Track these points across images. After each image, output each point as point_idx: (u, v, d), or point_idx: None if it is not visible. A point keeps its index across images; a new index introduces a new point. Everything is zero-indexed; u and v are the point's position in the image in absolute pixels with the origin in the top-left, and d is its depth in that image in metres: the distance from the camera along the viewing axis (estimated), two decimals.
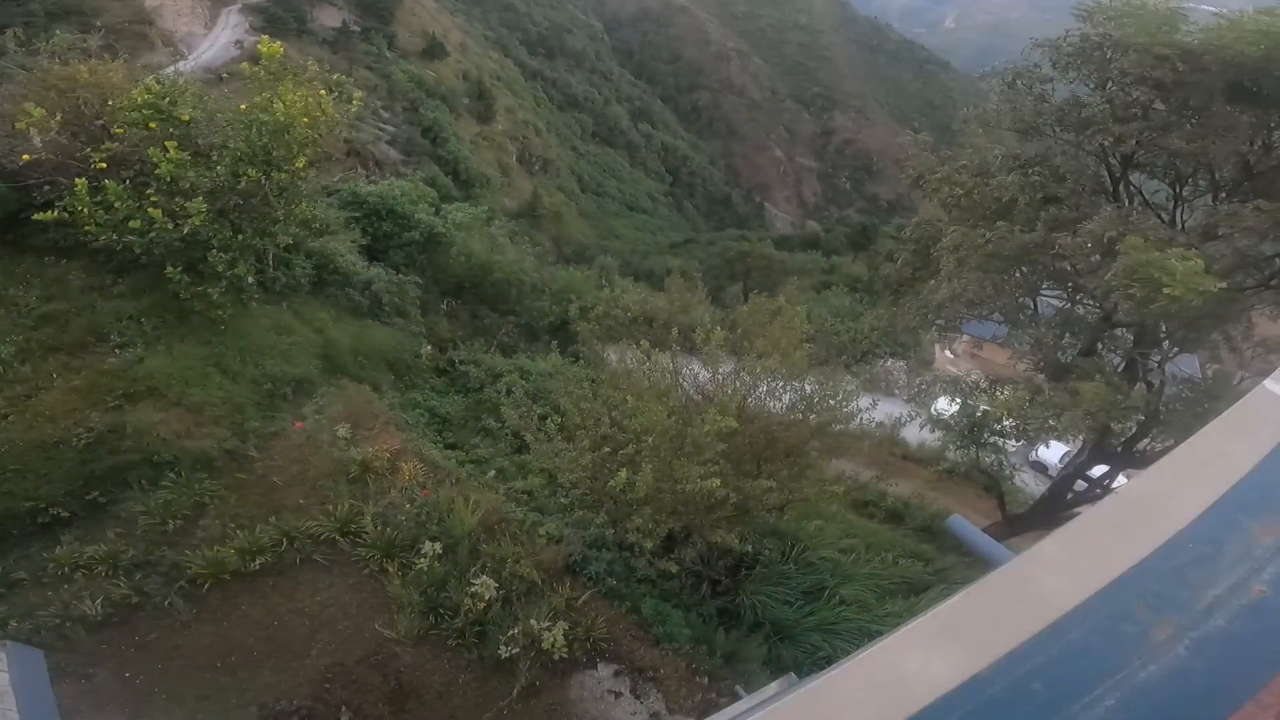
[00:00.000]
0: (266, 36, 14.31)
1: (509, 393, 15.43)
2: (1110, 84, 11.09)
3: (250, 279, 13.28)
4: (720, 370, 10.04)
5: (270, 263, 14.64)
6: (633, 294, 12.18)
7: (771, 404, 10.19)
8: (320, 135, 13.68)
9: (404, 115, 68.02)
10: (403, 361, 16.66)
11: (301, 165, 13.26)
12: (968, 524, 3.64)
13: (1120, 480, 13.58)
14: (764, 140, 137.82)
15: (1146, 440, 11.91)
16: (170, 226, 11.99)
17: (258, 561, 9.99)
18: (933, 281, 12.10)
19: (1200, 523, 1.42)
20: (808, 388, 10.22)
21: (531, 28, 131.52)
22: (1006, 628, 1.49)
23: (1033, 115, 11.95)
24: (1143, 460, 12.12)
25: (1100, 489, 13.91)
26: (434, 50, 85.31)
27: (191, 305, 12.68)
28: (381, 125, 61.89)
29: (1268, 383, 2.87)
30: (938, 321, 12.68)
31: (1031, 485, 21.03)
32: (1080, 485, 14.74)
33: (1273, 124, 10.48)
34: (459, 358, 17.67)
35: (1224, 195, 10.85)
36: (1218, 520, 1.40)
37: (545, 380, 16.24)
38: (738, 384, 9.99)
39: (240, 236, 13.03)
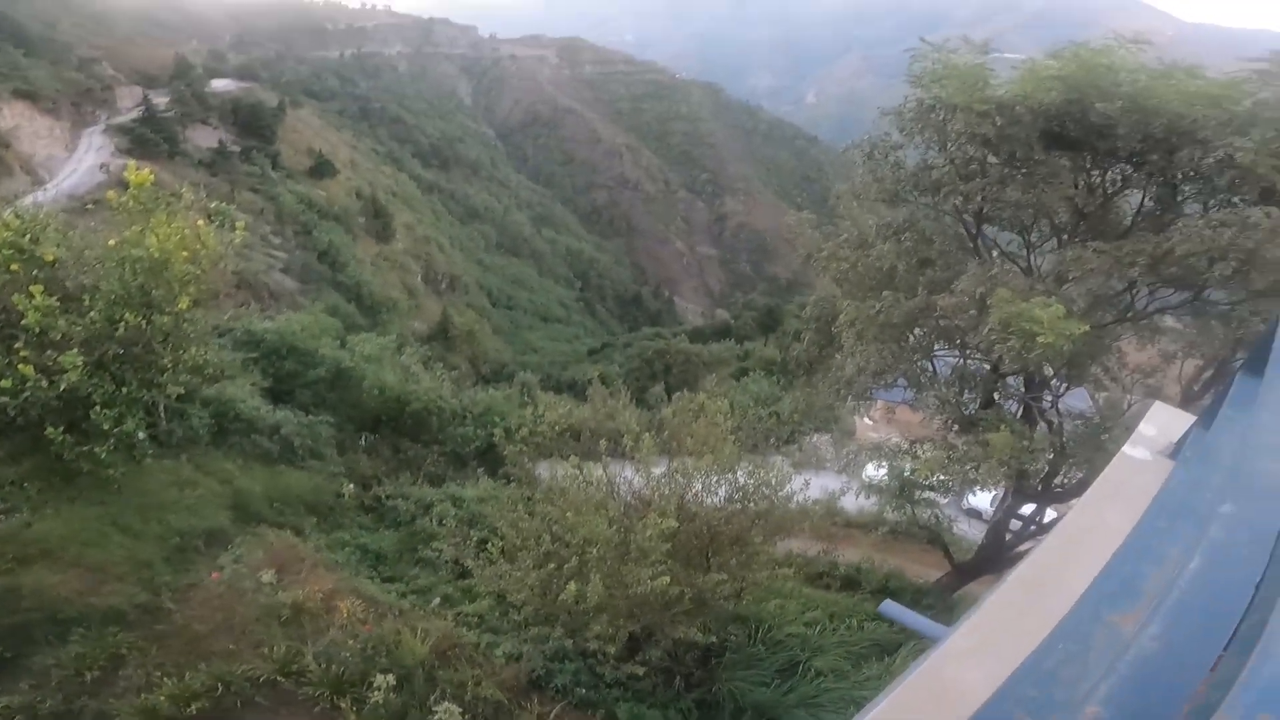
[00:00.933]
0: (134, 161, 13.48)
1: (442, 522, 15.06)
2: (949, 145, 11.40)
3: (141, 434, 12.33)
4: (654, 473, 10.16)
5: (162, 415, 13.69)
6: (557, 408, 12.29)
7: (708, 499, 10.35)
8: (203, 270, 12.67)
9: (296, 239, 65.16)
10: (324, 503, 15.92)
11: (185, 306, 12.24)
12: (899, 607, 3.77)
13: (1050, 514, 14.17)
14: (664, 233, 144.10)
15: (1060, 476, 12.51)
16: (45, 384, 10.94)
17: (194, 706, 9.23)
18: (838, 357, 12.59)
19: (1074, 615, 1.58)
20: (741, 479, 10.48)
21: (423, 139, 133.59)
22: None
23: (893, 183, 12.30)
24: (1062, 494, 12.69)
25: (1034, 525, 14.45)
26: (322, 168, 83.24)
27: (78, 466, 11.63)
28: (273, 252, 59.00)
29: (1127, 448, 3.18)
30: (850, 396, 13.15)
31: (972, 532, 21.67)
32: (1015, 524, 15.30)
33: (1087, 165, 11.03)
34: (385, 493, 17.04)
35: (1066, 238, 11.37)
36: (1085, 613, 1.56)
37: (479, 505, 15.93)
38: (672, 485, 10.12)
39: (124, 390, 12.01)
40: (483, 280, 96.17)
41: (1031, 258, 11.95)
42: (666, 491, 9.94)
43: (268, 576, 11.54)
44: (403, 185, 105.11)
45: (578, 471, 10.03)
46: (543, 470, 11.75)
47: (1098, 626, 1.54)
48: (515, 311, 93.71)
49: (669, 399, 11.95)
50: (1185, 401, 11.15)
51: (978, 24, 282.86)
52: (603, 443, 10.30)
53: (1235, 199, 9.84)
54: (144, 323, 11.83)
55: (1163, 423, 3.26)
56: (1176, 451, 2.89)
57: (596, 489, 10.00)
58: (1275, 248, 8.29)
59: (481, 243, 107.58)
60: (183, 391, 13.55)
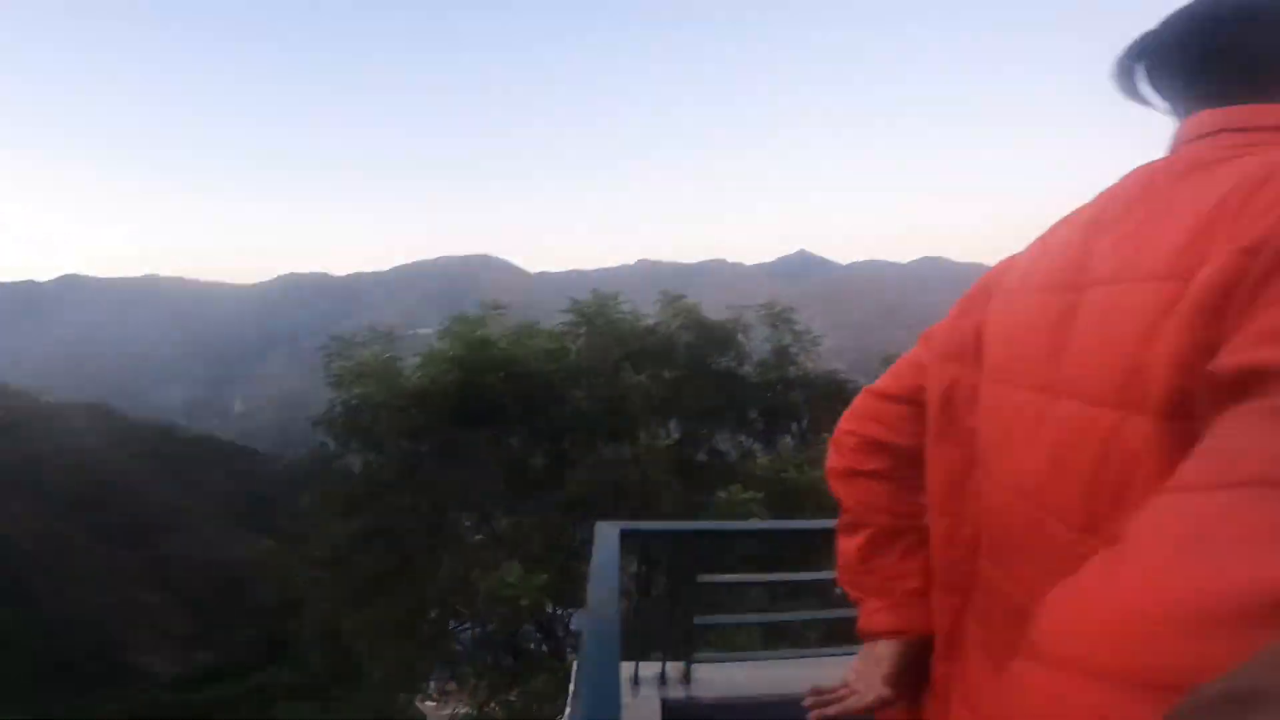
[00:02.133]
0: None
1: None
2: (386, 443, 11.33)
3: None
4: None
5: None
6: None
7: None
8: None
9: None
10: None
11: None
12: None
13: None
14: (84, 591, 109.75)
15: None
16: None
17: None
18: (364, 665, 11.82)
19: None
20: None
21: None
22: None
23: (347, 496, 11.90)
24: None
25: None
26: None
27: None
28: None
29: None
30: (399, 693, 12.69)
31: None
32: None
33: (497, 436, 11.83)
34: None
35: (507, 502, 12.27)
36: None
37: None
38: None
39: None
40: None
41: (493, 525, 12.91)
42: None
43: None
44: None
45: None
46: None
47: None
48: None
49: None
50: None
51: (389, 301, 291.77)
52: None
53: (598, 441, 11.66)
54: None
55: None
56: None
57: None
58: (627, 478, 10.66)
59: None
60: None
